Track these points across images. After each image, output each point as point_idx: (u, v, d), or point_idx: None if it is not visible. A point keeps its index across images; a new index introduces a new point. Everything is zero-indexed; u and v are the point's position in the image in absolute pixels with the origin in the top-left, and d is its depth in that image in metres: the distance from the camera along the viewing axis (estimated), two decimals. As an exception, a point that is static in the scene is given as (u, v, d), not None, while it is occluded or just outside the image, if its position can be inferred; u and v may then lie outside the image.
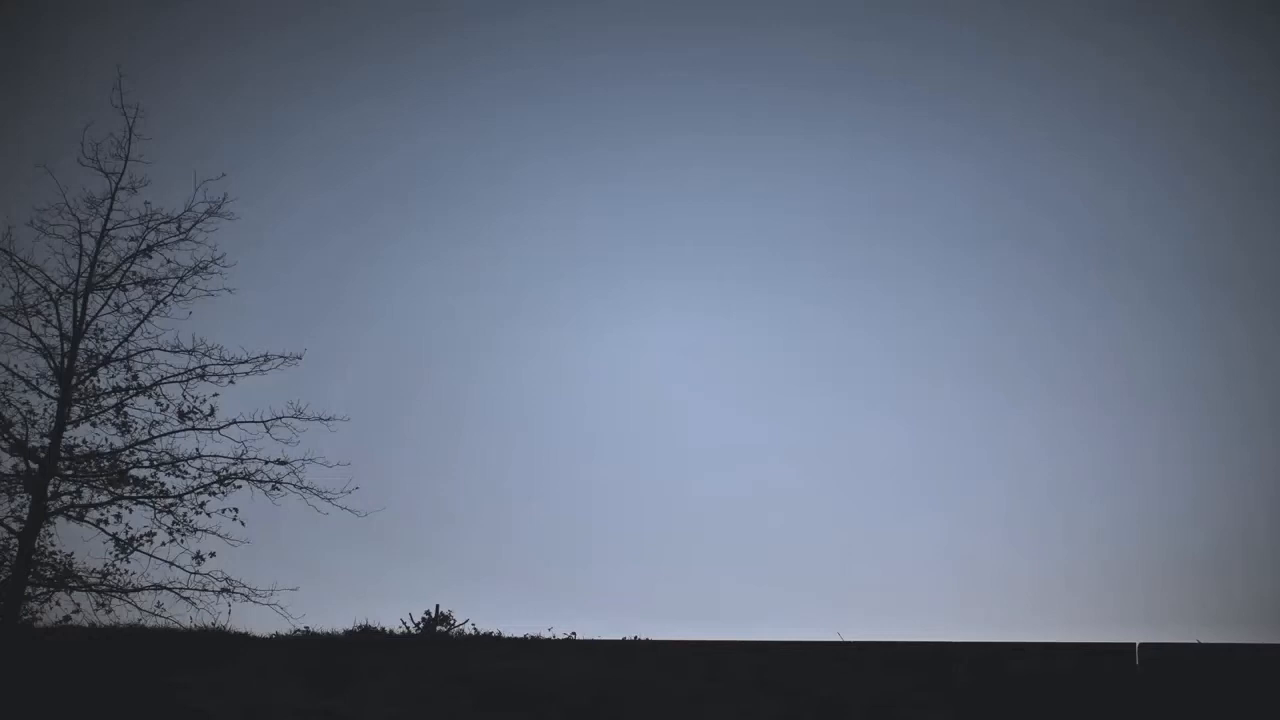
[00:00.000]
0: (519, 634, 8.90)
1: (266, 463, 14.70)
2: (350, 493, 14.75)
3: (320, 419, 14.84)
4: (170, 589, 14.23)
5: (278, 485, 14.67)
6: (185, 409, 14.82)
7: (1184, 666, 4.07)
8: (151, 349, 14.83)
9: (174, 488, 14.65)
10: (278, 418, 14.73)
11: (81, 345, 14.58)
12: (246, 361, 14.85)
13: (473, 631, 14.42)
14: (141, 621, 13.28)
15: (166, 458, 14.72)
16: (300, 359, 15.19)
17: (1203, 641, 4.40)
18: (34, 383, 14.39)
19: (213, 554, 14.49)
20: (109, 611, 14.01)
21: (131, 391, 14.78)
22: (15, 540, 13.71)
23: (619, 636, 5.72)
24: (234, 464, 14.69)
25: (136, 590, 14.23)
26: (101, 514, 14.41)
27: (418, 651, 4.53)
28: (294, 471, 14.69)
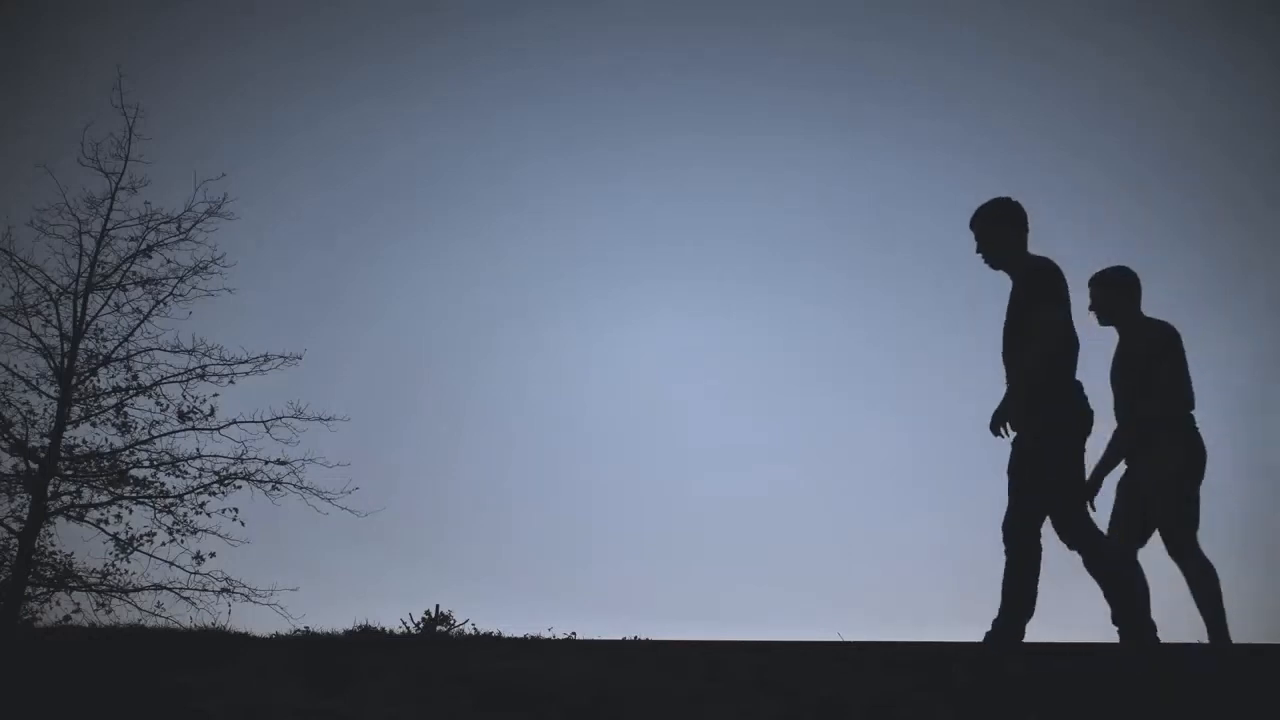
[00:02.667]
0: (519, 634, 8.90)
1: (266, 463, 14.72)
2: (350, 493, 14.79)
3: (320, 419, 14.86)
4: (170, 589, 14.27)
5: (278, 485, 14.69)
6: (185, 409, 14.82)
7: (1184, 666, 4.07)
8: (151, 349, 14.84)
9: (174, 488, 14.67)
10: (278, 418, 14.75)
11: (81, 345, 14.58)
12: (246, 361, 14.87)
13: (473, 631, 14.43)
14: (141, 621, 13.32)
15: (166, 458, 14.72)
16: (300, 359, 15.21)
17: (1202, 642, 4.40)
18: (34, 383, 14.40)
19: (213, 554, 14.52)
20: (109, 611, 14.05)
21: (131, 391, 14.78)
22: (15, 540, 13.72)
23: (619, 636, 5.73)
24: (234, 464, 14.70)
25: (136, 590, 14.26)
26: (101, 514, 14.42)
27: (418, 651, 4.53)
28: (294, 471, 14.71)
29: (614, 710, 3.98)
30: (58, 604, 14.03)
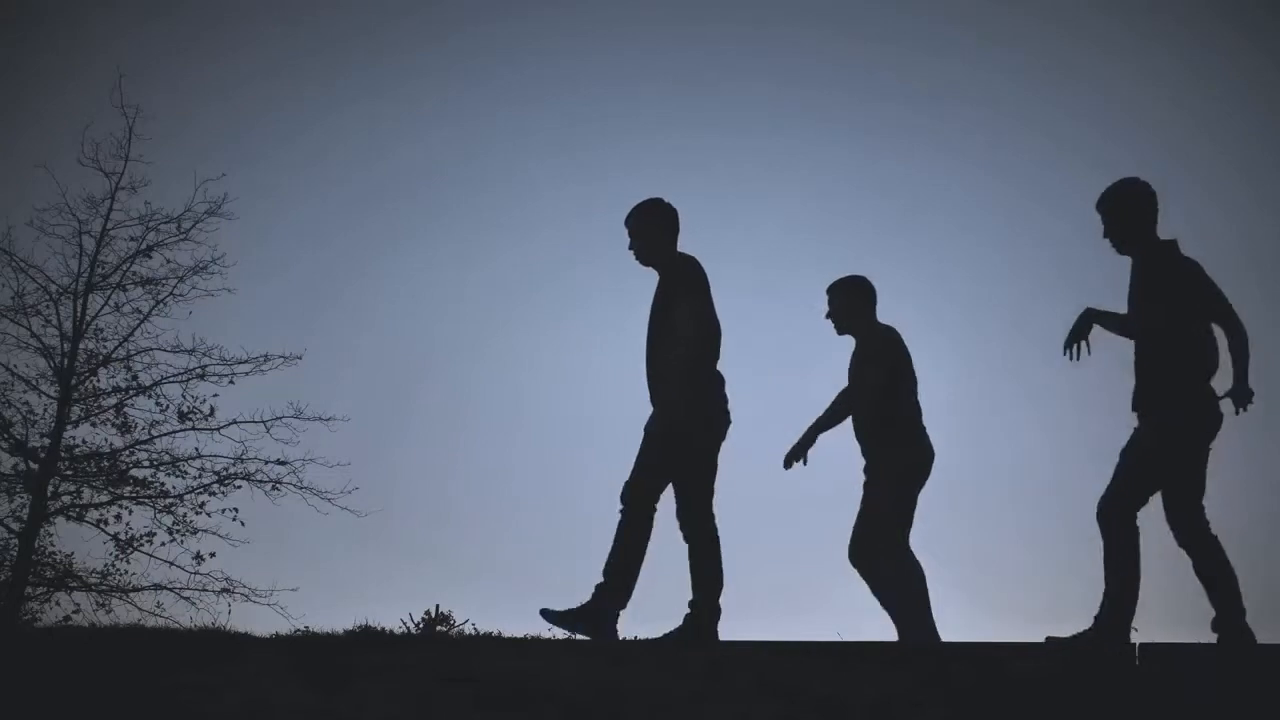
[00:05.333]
0: (519, 634, 8.91)
1: (266, 463, 14.74)
2: (350, 493, 14.80)
3: (320, 419, 14.87)
4: (170, 589, 14.30)
5: (278, 485, 14.70)
6: (185, 409, 14.84)
7: (1184, 666, 4.08)
8: (151, 349, 14.86)
9: (174, 488, 14.69)
10: (278, 418, 14.77)
11: (81, 345, 14.58)
12: (246, 361, 14.89)
13: (473, 631, 14.42)
14: (141, 621, 13.32)
15: (166, 458, 14.74)
16: (300, 359, 15.20)
17: (1203, 641, 4.40)
18: (34, 383, 14.41)
19: (213, 554, 14.54)
20: (109, 611, 14.06)
21: (131, 391, 14.80)
22: (15, 540, 13.73)
23: (621, 637, 5.74)
24: (234, 464, 14.72)
25: (136, 590, 14.28)
26: (101, 514, 14.44)
27: (418, 651, 4.54)
28: (294, 471, 14.72)
29: (614, 710, 3.98)
30: (58, 604, 14.06)
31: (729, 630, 5.35)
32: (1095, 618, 4.47)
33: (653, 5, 26.33)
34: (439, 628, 14.72)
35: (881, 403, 5.29)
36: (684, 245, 5.24)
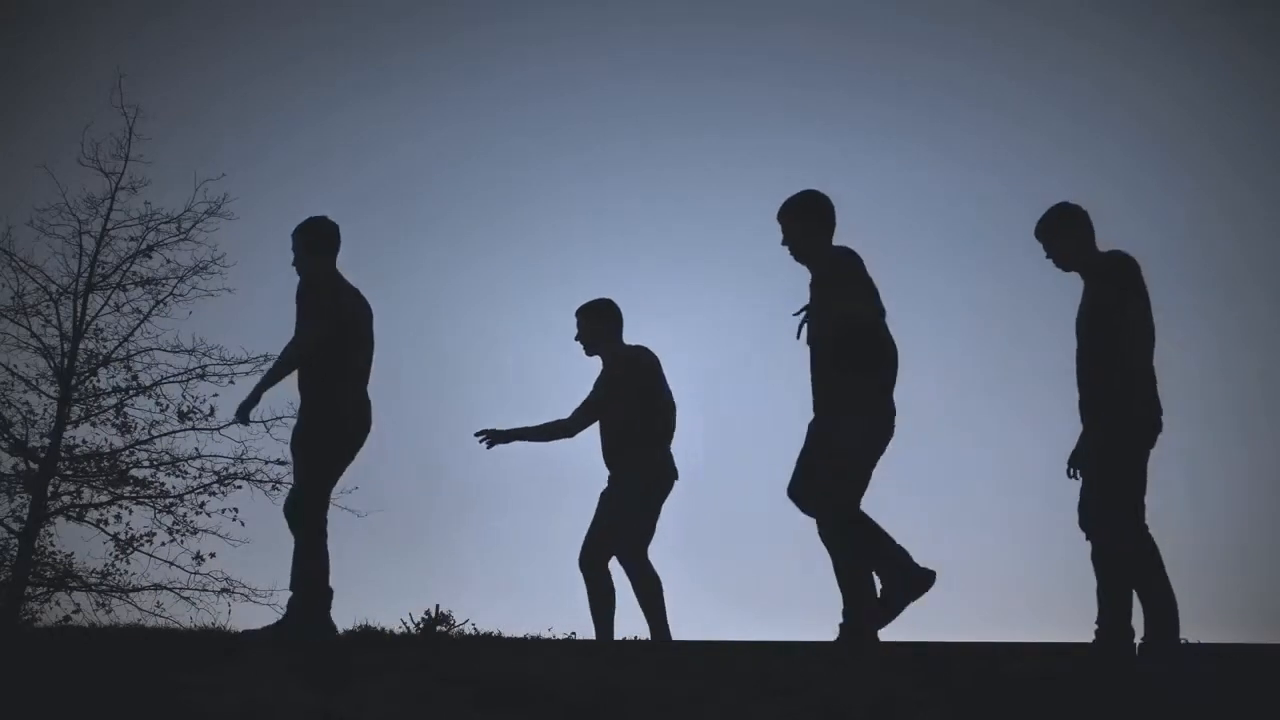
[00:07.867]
0: (519, 634, 8.91)
1: (266, 463, 14.76)
2: (350, 493, 14.79)
3: (320, 418, 14.80)
4: (170, 589, 14.31)
5: (278, 485, 14.71)
6: (185, 409, 14.84)
7: (1184, 666, 4.08)
8: (151, 349, 14.88)
9: (174, 488, 14.70)
10: (278, 418, 14.77)
11: (81, 345, 14.59)
12: (246, 361, 14.90)
13: (473, 631, 14.43)
14: (141, 621, 13.33)
15: (166, 458, 14.76)
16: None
17: (1201, 641, 4.42)
18: (34, 383, 14.43)
19: (213, 554, 14.56)
20: (109, 611, 14.07)
21: (131, 391, 14.81)
22: (15, 540, 13.73)
23: (619, 637, 5.76)
24: (234, 464, 14.73)
25: (136, 590, 14.29)
26: (101, 514, 14.45)
27: (418, 651, 4.55)
28: (294, 471, 14.67)
29: (615, 710, 3.99)
30: (58, 604, 14.07)
31: (731, 630, 5.33)
32: (839, 623, 4.63)
33: (652, 5, 26.33)
34: (439, 628, 14.72)
35: (623, 422, 5.50)
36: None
